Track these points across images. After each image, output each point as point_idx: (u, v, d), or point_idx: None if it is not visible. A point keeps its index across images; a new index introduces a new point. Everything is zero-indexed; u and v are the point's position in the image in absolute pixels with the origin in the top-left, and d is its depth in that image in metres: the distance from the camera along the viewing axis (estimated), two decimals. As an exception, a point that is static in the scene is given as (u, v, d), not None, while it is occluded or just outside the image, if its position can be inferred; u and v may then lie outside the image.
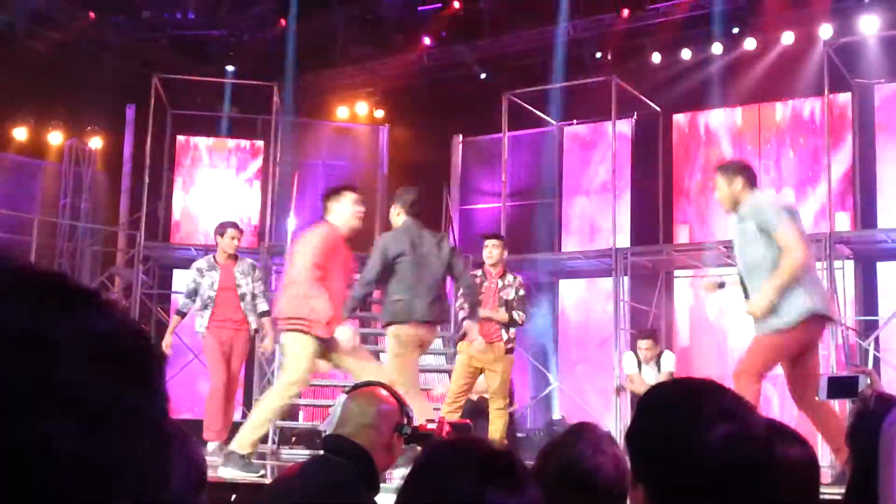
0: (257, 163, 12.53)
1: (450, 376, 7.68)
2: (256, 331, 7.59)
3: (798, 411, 5.26)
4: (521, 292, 7.21)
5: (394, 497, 1.52)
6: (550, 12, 10.93)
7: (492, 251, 7.21)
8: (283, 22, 12.02)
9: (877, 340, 9.06)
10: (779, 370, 5.38)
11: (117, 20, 11.78)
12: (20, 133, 11.99)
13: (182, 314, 7.54)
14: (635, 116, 11.27)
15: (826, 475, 5.63)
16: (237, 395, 7.99)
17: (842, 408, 5.80)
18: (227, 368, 7.33)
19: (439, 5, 11.79)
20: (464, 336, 6.92)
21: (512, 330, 7.13)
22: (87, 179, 12.43)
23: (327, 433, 2.73)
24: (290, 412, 9.92)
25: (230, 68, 12.21)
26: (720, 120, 10.99)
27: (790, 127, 10.58)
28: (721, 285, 5.98)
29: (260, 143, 12.44)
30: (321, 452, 2.69)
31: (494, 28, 11.49)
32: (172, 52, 12.16)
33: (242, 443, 5.67)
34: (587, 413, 9.47)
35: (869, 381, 3.18)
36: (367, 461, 2.59)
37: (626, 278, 10.03)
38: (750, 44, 10.46)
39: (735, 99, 10.71)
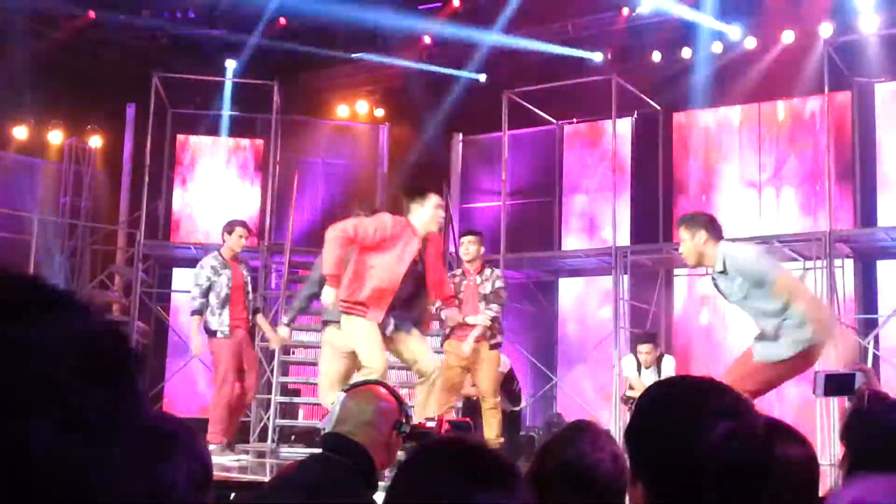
0: (257, 161, 12.53)
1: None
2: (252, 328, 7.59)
3: (798, 408, 5.27)
4: (498, 284, 7.03)
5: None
6: (551, 11, 10.91)
7: (468, 248, 7.11)
8: (282, 21, 12.02)
9: (876, 339, 9.07)
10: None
11: (117, 20, 11.78)
12: (20, 132, 12.00)
13: (200, 313, 7.22)
14: (635, 115, 11.27)
15: (826, 474, 5.63)
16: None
17: (840, 405, 5.80)
18: (240, 376, 7.24)
19: (439, 4, 11.78)
20: (448, 336, 6.92)
21: (496, 325, 6.98)
22: (87, 178, 12.43)
23: (326, 431, 2.74)
24: (290, 410, 9.94)
25: (230, 67, 12.20)
26: (720, 118, 10.98)
27: (790, 125, 10.57)
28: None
29: (260, 142, 12.44)
30: (320, 451, 2.69)
31: (494, 27, 11.47)
32: (172, 51, 12.16)
33: None
34: (586, 411, 9.46)
35: (865, 379, 3.19)
36: (367, 459, 2.59)
37: (625, 277, 10.03)
38: (750, 42, 10.46)
39: (735, 97, 10.69)
